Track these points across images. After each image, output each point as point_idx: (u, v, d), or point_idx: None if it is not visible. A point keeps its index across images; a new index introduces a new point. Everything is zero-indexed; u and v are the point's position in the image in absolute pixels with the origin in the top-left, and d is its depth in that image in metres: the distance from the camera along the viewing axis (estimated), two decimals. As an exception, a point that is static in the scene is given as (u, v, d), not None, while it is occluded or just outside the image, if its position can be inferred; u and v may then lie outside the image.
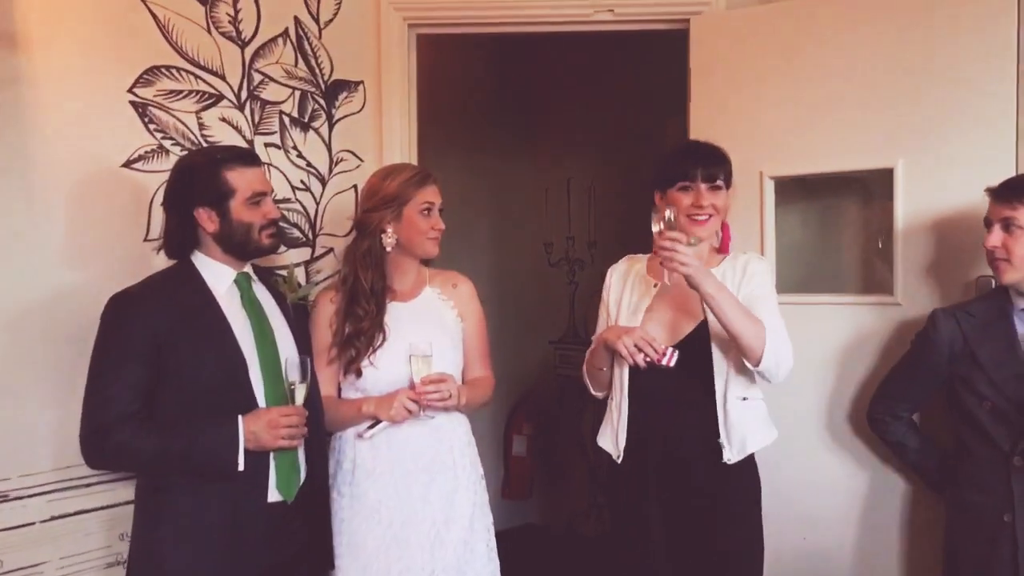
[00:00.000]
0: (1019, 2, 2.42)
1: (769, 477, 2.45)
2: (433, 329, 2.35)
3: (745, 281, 2.29)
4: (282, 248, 2.75)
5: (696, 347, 2.26)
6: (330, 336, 2.36)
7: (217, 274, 2.17)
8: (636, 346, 2.20)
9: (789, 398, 2.66)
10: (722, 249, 2.41)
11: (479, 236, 5.02)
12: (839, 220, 2.95)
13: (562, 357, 4.99)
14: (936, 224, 2.54)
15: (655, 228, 2.13)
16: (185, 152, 2.47)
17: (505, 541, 4.89)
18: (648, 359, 2.20)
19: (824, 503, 2.73)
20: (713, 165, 2.31)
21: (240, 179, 2.13)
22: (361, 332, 2.31)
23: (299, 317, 2.36)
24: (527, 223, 5.12)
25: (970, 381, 2.27)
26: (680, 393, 2.29)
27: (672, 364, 2.20)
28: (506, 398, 5.09)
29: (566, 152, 4.98)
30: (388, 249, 2.34)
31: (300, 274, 2.77)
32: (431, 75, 4.27)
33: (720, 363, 2.25)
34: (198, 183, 2.12)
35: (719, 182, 2.30)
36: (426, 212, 2.35)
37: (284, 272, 2.42)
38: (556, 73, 4.97)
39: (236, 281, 2.19)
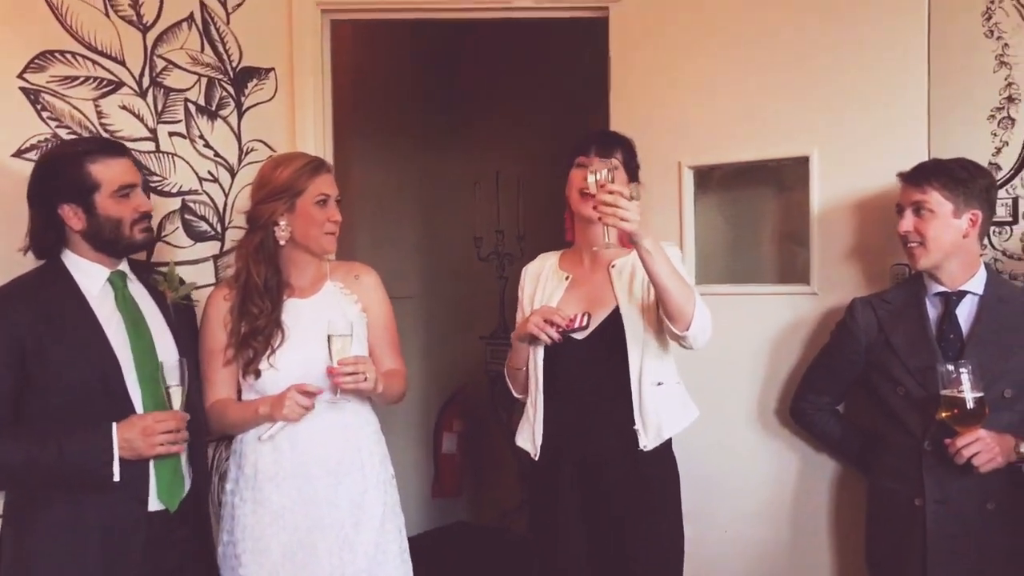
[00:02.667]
0: (928, -11, 2.43)
1: (693, 469, 2.44)
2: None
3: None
4: (188, 242, 2.67)
5: (610, 335, 2.24)
6: (225, 336, 2.25)
7: (89, 273, 2.05)
8: (546, 321, 2.19)
9: (711, 389, 2.65)
10: (620, 242, 2.27)
11: (407, 230, 4.94)
12: (758, 209, 2.94)
13: (493, 353, 4.93)
14: (851, 212, 2.54)
15: (591, 179, 2.03)
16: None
17: (436, 539, 4.83)
18: (561, 329, 2.18)
19: (751, 493, 2.72)
20: (608, 145, 2.32)
21: (106, 171, 2.02)
22: (257, 331, 2.21)
23: (181, 318, 2.23)
24: (456, 217, 5.06)
25: (885, 367, 2.28)
26: (595, 384, 2.27)
27: (586, 324, 2.21)
28: (437, 395, 5.03)
29: (495, 144, 4.92)
30: (282, 243, 2.24)
31: (214, 268, 2.69)
32: (355, 63, 4.20)
33: (635, 349, 2.23)
34: (61, 178, 2.00)
35: (614, 160, 2.25)
36: (321, 203, 2.25)
37: (164, 270, 2.30)
38: (484, 64, 4.91)
39: (110, 280, 2.08)
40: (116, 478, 1.93)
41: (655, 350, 2.25)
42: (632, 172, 2.37)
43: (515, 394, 2.47)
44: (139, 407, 2.01)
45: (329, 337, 2.14)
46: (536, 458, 2.31)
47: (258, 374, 2.21)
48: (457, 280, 5.07)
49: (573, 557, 2.29)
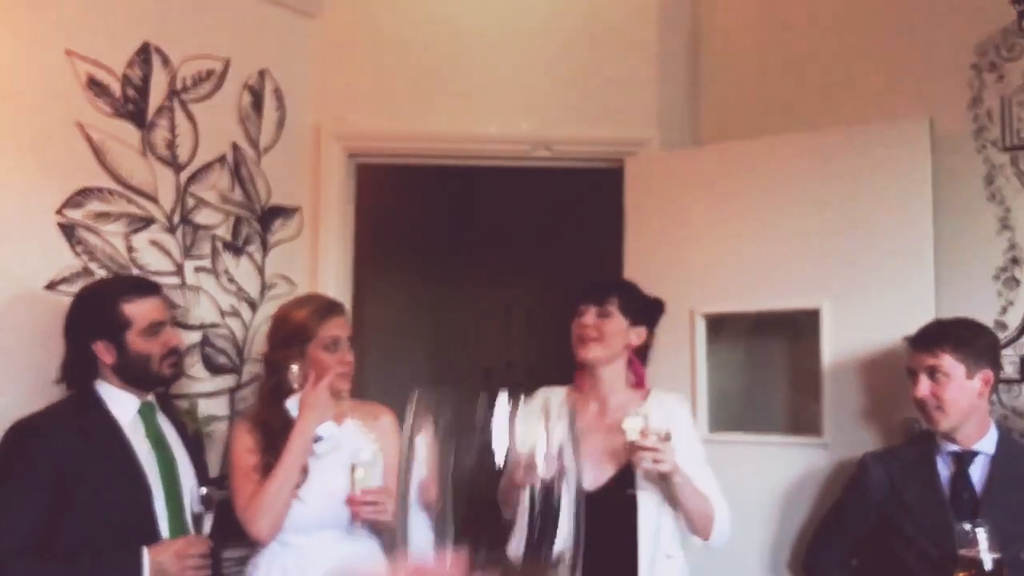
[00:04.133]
0: (932, 156, 2.53)
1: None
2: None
3: (673, 434, 2.23)
4: (206, 374, 2.71)
5: (619, 495, 2.16)
6: (253, 459, 2.24)
7: (121, 403, 2.15)
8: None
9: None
10: (637, 385, 2.34)
11: (418, 361, 4.98)
12: (770, 359, 2.98)
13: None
14: (862, 365, 2.58)
15: (631, 436, 2.08)
16: (109, 275, 2.44)
17: None
18: None
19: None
20: (601, 291, 2.34)
21: (136, 310, 2.12)
22: None
23: (197, 447, 2.35)
24: (467, 348, 5.09)
25: (898, 525, 2.27)
26: (600, 541, 2.21)
27: None
28: (440, 528, 4.95)
29: (506, 277, 5.01)
30: (295, 386, 2.27)
31: (230, 401, 2.75)
32: (371, 198, 4.32)
33: (648, 519, 2.18)
34: (94, 316, 2.12)
35: (609, 307, 2.31)
36: (331, 347, 2.29)
37: (186, 405, 2.48)
38: (499, 199, 5.05)
39: (140, 411, 2.17)
40: None
41: (671, 520, 2.20)
42: (635, 314, 2.34)
43: (505, 516, 2.40)
44: (164, 533, 2.09)
45: (353, 466, 2.17)
46: None
47: None
48: (466, 412, 5.06)
49: None
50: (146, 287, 2.19)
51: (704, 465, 2.27)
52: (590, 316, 2.31)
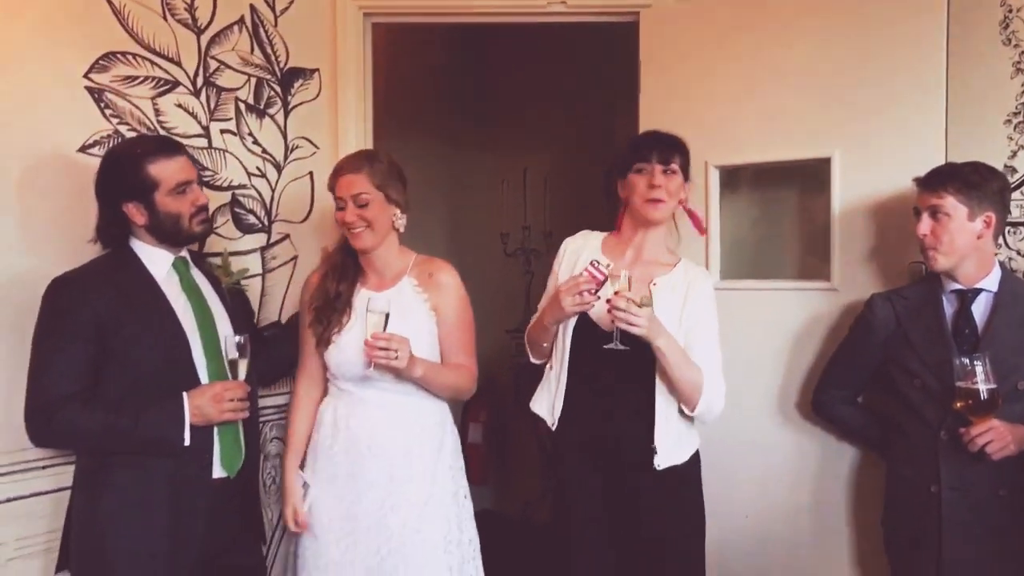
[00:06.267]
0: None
1: (716, 461, 2.54)
2: (397, 321, 2.29)
3: (689, 302, 2.35)
4: (237, 234, 2.80)
5: (641, 344, 2.23)
6: (308, 316, 2.47)
7: (155, 259, 2.23)
8: (578, 295, 2.19)
9: (733, 382, 2.73)
10: (698, 232, 2.55)
11: (436, 225, 5.06)
12: (782, 208, 3.04)
13: (518, 346, 5.01)
14: (871, 212, 2.64)
15: (606, 295, 2.17)
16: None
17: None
18: (592, 291, 2.20)
19: (772, 482, 2.82)
20: (667, 149, 2.39)
21: (163, 171, 2.17)
22: (328, 306, 2.40)
23: (234, 300, 2.44)
24: (483, 213, 5.17)
25: (902, 361, 2.38)
26: (620, 388, 2.34)
27: (605, 271, 2.20)
28: (463, 386, 5.14)
29: (523, 142, 5.04)
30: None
31: (261, 259, 2.87)
32: (389, 63, 4.31)
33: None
34: (122, 178, 2.17)
35: (673, 166, 2.37)
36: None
37: (218, 260, 2.55)
38: (514, 62, 5.02)
39: (174, 265, 2.25)
40: (187, 443, 2.10)
41: None
42: (686, 171, 2.42)
43: (532, 359, 2.52)
44: (204, 380, 2.19)
45: (368, 312, 2.27)
46: (553, 427, 2.39)
47: (327, 344, 2.39)
48: (484, 275, 5.17)
49: (598, 536, 2.38)
50: (170, 147, 2.24)
51: (711, 344, 2.35)
52: (658, 175, 2.35)
